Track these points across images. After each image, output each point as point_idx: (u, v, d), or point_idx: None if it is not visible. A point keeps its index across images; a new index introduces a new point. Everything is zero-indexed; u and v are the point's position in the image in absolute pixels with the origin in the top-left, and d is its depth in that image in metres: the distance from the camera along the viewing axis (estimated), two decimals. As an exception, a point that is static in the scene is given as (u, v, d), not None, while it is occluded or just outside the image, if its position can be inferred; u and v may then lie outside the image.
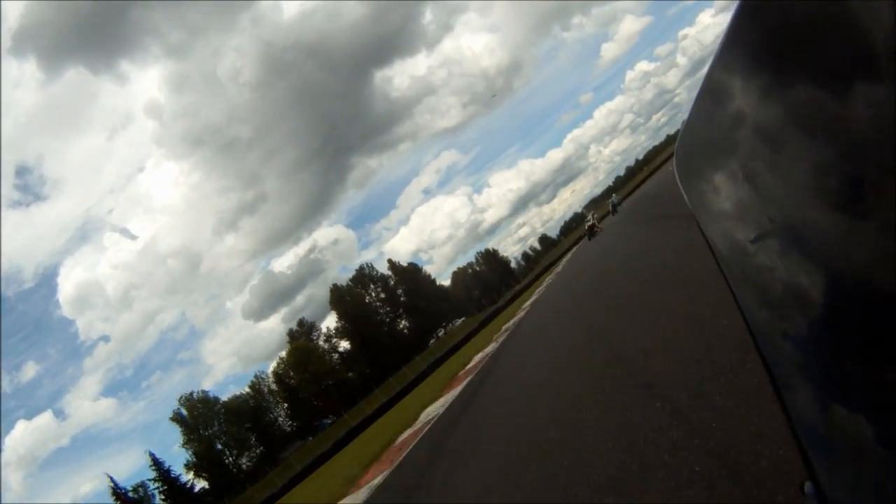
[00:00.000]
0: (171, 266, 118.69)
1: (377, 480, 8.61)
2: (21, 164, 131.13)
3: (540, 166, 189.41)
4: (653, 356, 4.07)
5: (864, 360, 0.35)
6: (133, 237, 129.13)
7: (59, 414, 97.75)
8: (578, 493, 2.87)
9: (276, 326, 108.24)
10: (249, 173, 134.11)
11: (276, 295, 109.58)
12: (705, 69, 0.55)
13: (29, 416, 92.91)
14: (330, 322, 77.47)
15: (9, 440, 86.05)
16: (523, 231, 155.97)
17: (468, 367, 16.36)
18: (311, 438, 55.43)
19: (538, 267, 76.48)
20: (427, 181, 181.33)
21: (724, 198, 0.50)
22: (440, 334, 71.68)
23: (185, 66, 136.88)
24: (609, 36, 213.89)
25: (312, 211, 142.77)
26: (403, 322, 78.96)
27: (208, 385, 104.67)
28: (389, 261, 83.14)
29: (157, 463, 55.38)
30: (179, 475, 56.54)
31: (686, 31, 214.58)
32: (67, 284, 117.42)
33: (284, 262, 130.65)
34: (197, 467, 60.39)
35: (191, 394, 66.09)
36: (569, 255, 46.11)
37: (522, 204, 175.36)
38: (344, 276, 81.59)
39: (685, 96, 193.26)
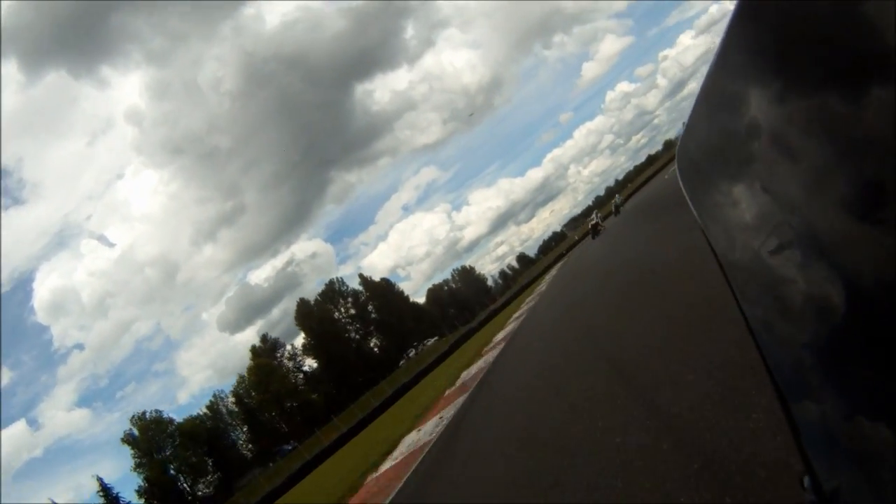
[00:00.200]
0: (147, 275, 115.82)
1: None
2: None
3: (519, 185, 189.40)
4: None
5: (883, 365, 0.34)
6: (111, 244, 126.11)
7: (33, 423, 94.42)
8: None
9: (251, 339, 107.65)
10: (228, 184, 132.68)
11: (252, 307, 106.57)
12: (706, 70, 0.54)
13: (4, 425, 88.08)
14: (303, 338, 74.07)
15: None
16: (501, 249, 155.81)
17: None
18: (271, 465, 51.95)
19: (516, 285, 74.11)
20: (406, 197, 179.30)
21: (736, 207, 0.49)
22: (411, 354, 68.65)
23: (166, 73, 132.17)
24: (590, 55, 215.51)
25: (291, 224, 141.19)
26: (374, 340, 75.80)
27: (184, 398, 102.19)
28: (361, 276, 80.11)
29: (105, 489, 51.60)
30: (130, 503, 52.58)
31: (667, 52, 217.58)
32: (43, 290, 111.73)
33: (261, 274, 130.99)
34: (149, 494, 56.21)
35: (143, 413, 61.81)
36: (553, 272, 42.91)
37: (501, 222, 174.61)
38: (321, 291, 79.82)
39: (665, 118, 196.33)
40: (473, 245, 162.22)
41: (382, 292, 79.27)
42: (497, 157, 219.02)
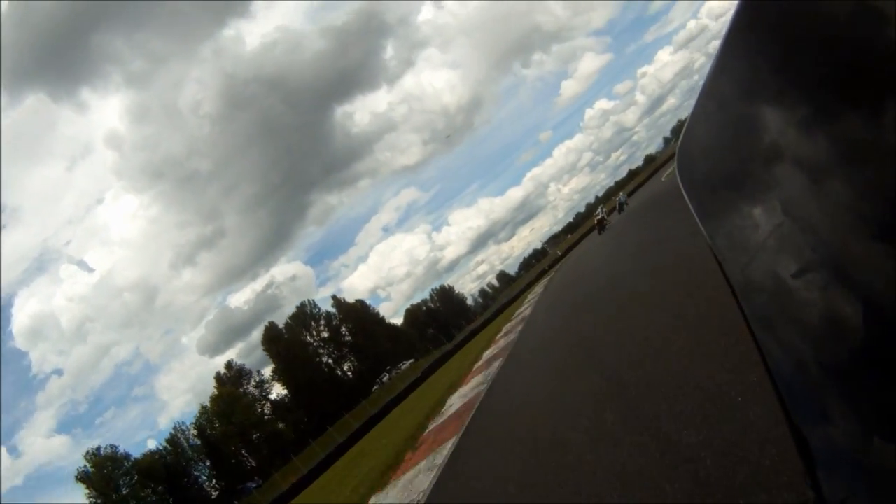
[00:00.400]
0: (127, 299, 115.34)
1: None
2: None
3: (499, 204, 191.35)
4: None
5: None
6: (90, 270, 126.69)
7: (13, 451, 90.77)
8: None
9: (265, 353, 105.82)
10: (208, 208, 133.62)
11: (232, 331, 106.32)
12: (705, 72, 0.54)
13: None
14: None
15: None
16: (482, 268, 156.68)
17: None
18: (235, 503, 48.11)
19: (495, 304, 71.50)
20: (386, 218, 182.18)
21: (753, 227, 0.47)
22: (384, 379, 65.26)
23: (146, 96, 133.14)
24: (569, 73, 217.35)
25: (270, 247, 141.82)
26: (348, 364, 72.29)
27: (165, 423, 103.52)
28: (334, 297, 76.77)
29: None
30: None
31: (645, 69, 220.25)
32: (22, 316, 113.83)
33: (241, 297, 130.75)
34: (105, 537, 51.83)
35: (97, 449, 57.34)
36: (538, 288, 39.32)
37: (481, 242, 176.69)
38: (292, 314, 77.09)
39: (644, 134, 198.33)
40: (454, 265, 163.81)
41: (357, 314, 75.97)
42: (477, 176, 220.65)
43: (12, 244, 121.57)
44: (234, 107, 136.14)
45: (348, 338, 73.54)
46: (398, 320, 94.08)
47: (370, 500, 8.49)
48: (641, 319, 5.89)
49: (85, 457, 56.34)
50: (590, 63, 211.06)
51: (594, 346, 6.53)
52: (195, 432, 59.57)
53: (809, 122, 0.38)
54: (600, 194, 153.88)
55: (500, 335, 19.64)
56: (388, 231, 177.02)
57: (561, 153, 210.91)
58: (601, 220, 33.61)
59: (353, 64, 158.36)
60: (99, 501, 53.97)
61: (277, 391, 65.85)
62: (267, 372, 66.23)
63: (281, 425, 61.16)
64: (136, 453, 58.43)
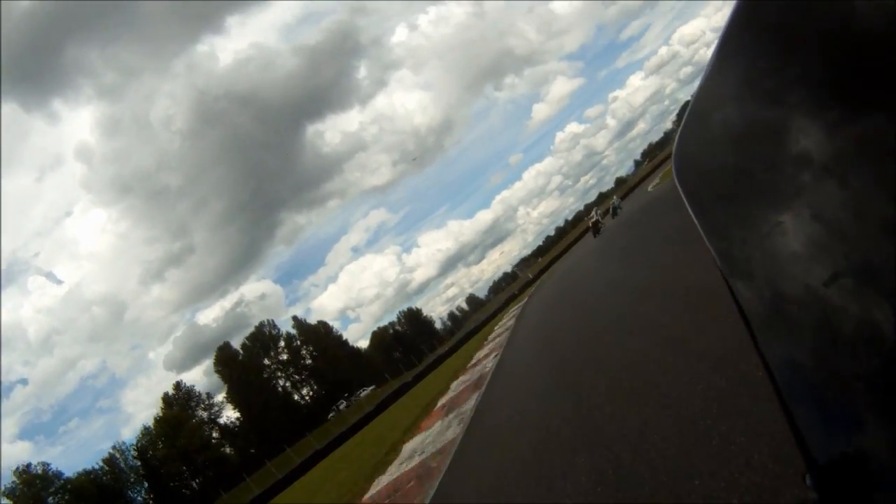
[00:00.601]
0: (95, 313, 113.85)
1: None
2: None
3: (469, 227, 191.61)
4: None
5: None
6: (58, 282, 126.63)
7: None
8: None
9: (198, 378, 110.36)
10: (177, 224, 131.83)
11: (199, 347, 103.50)
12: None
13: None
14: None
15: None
16: (451, 291, 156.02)
17: None
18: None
19: (466, 327, 69.83)
20: (356, 239, 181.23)
21: (780, 235, 0.45)
22: (341, 407, 62.75)
23: (118, 109, 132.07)
24: (541, 96, 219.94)
25: (240, 265, 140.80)
26: (307, 389, 69.76)
27: (128, 435, 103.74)
28: (294, 318, 74.47)
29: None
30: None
31: (617, 93, 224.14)
32: None
33: (210, 314, 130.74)
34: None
35: (28, 466, 53.94)
36: (510, 321, 34.43)
37: (451, 264, 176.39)
38: (282, 329, 76.56)
39: (614, 158, 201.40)
40: (423, 287, 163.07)
41: (318, 336, 73.67)
42: (447, 199, 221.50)
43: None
44: (205, 123, 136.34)
45: (309, 361, 71.16)
46: (367, 342, 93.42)
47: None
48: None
49: (14, 473, 53.26)
50: (561, 87, 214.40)
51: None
52: (136, 453, 56.42)
53: (810, 123, 0.37)
54: (570, 217, 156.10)
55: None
56: (357, 252, 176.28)
57: (531, 176, 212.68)
58: (596, 224, 33.24)
59: (325, 83, 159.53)
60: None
61: (229, 415, 63.06)
62: (206, 395, 63.36)
63: (228, 450, 58.20)
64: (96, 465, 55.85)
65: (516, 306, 32.94)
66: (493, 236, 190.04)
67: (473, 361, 18.20)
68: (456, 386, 14.96)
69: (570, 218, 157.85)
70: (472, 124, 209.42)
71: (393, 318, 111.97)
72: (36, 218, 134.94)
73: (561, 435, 4.77)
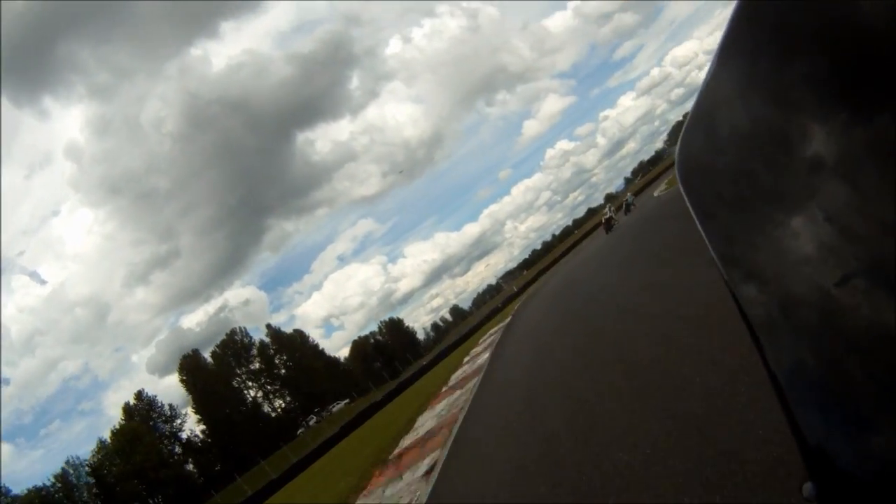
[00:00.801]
0: (78, 315, 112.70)
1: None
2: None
3: (455, 239, 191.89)
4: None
5: None
6: (43, 282, 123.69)
7: None
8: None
9: (178, 384, 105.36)
10: (164, 227, 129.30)
11: (182, 351, 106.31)
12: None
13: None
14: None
15: None
16: (436, 302, 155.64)
17: None
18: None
19: (447, 339, 66.79)
20: (342, 248, 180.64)
21: (792, 239, 0.44)
22: (311, 423, 59.42)
23: (109, 109, 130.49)
24: (532, 113, 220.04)
25: (225, 270, 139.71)
26: (280, 401, 66.32)
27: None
28: (268, 326, 70.94)
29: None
30: None
31: (607, 112, 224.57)
32: None
33: (194, 319, 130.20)
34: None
35: (-27, 483, 50.02)
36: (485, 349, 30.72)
37: (436, 275, 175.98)
38: (255, 337, 73.91)
39: (603, 176, 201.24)
40: (408, 297, 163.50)
41: (293, 345, 70.30)
42: (434, 211, 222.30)
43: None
44: (196, 127, 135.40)
45: (282, 371, 67.77)
46: (349, 350, 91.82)
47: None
48: None
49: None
50: (553, 104, 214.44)
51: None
52: (90, 469, 52.64)
53: (815, 123, 0.37)
54: (557, 233, 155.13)
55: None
56: (343, 260, 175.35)
57: (519, 191, 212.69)
58: (609, 220, 32.55)
59: (317, 92, 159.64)
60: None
61: (193, 429, 59.40)
62: (169, 406, 59.70)
63: (190, 467, 54.62)
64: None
65: (497, 327, 27.27)
66: (480, 249, 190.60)
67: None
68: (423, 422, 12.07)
69: (557, 233, 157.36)
70: (462, 138, 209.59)
71: (377, 327, 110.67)
72: (23, 216, 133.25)
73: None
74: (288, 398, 66.76)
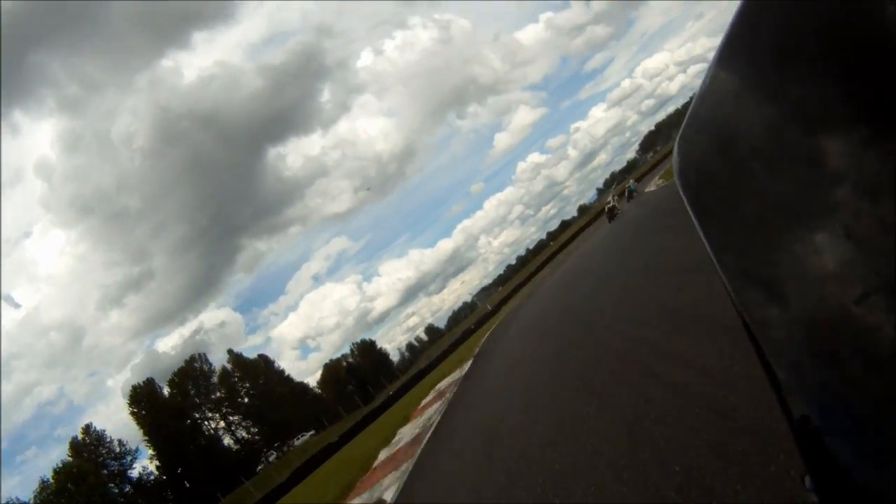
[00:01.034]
0: (52, 338, 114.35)
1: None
2: None
3: (430, 256, 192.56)
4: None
5: None
6: (16, 305, 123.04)
7: None
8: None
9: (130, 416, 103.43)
10: (137, 248, 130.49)
11: (158, 375, 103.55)
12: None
13: None
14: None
15: None
16: (412, 320, 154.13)
17: None
18: None
19: (420, 363, 63.97)
20: (317, 267, 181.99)
21: (814, 256, 0.42)
22: (271, 458, 55.89)
23: (79, 123, 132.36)
24: (503, 126, 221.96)
25: (199, 292, 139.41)
26: (242, 432, 62.46)
27: None
28: (230, 352, 67.19)
29: None
30: None
31: (578, 124, 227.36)
32: None
33: (169, 342, 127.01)
34: None
35: None
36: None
37: (412, 294, 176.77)
38: (216, 364, 69.91)
39: (575, 188, 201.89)
40: (384, 316, 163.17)
41: (256, 372, 66.66)
42: (408, 227, 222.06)
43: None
44: (167, 142, 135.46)
45: (245, 399, 64.02)
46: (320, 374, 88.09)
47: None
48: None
49: None
50: (524, 117, 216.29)
51: None
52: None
53: (811, 123, 0.37)
54: (531, 246, 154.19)
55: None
56: (318, 280, 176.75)
57: (492, 205, 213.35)
58: (612, 209, 31.67)
59: (288, 105, 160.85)
60: None
61: (146, 465, 55.25)
62: (119, 442, 55.43)
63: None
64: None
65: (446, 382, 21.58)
66: (455, 265, 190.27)
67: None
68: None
69: (531, 247, 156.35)
70: (434, 152, 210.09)
71: (350, 348, 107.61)
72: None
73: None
74: (253, 429, 63.03)
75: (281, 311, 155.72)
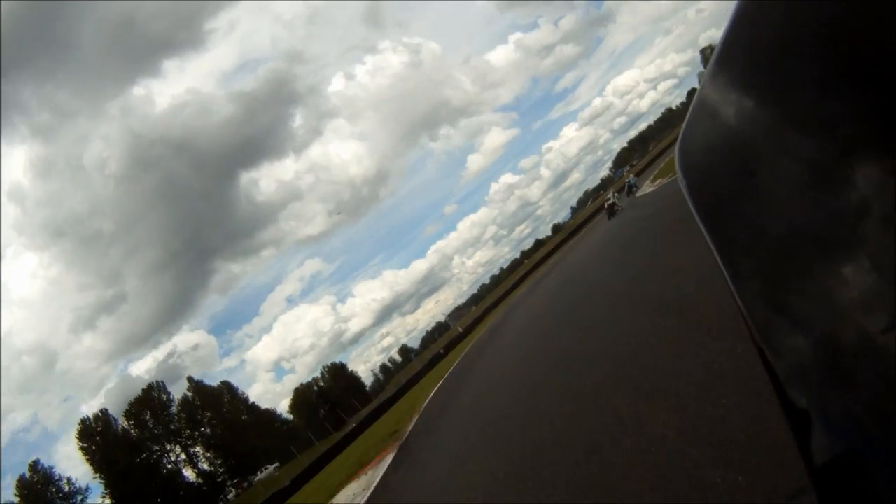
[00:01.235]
0: (25, 363, 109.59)
1: None
2: None
3: (404, 277, 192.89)
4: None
5: None
6: None
7: None
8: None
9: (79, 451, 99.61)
10: (110, 271, 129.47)
11: (132, 400, 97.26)
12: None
13: None
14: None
15: None
16: (387, 341, 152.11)
17: None
18: None
19: (390, 388, 61.81)
20: (290, 289, 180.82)
21: (839, 287, 0.40)
22: (230, 497, 53.10)
23: (52, 150, 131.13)
24: (475, 147, 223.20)
25: (173, 314, 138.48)
26: (206, 465, 59.54)
27: None
28: (190, 380, 64.32)
29: None
30: None
31: (550, 143, 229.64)
32: None
33: (143, 366, 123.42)
34: None
35: None
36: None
37: (386, 314, 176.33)
38: (176, 394, 66.59)
39: (548, 208, 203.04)
40: (359, 337, 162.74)
41: (218, 401, 63.91)
42: (382, 249, 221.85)
43: None
44: (139, 167, 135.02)
45: (207, 430, 61.18)
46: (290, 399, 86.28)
47: None
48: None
49: None
50: (496, 138, 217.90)
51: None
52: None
53: (811, 123, 0.37)
54: (505, 266, 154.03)
55: None
56: (292, 301, 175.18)
57: (465, 226, 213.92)
58: (612, 206, 31.49)
59: (261, 130, 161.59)
60: None
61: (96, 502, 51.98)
62: (67, 480, 52.15)
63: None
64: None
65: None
66: (429, 286, 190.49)
67: None
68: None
69: (505, 266, 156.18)
70: (407, 175, 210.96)
71: (320, 372, 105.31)
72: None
73: None
74: (216, 461, 60.15)
75: (255, 333, 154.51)
